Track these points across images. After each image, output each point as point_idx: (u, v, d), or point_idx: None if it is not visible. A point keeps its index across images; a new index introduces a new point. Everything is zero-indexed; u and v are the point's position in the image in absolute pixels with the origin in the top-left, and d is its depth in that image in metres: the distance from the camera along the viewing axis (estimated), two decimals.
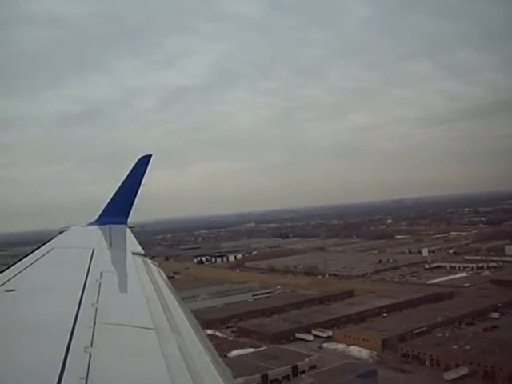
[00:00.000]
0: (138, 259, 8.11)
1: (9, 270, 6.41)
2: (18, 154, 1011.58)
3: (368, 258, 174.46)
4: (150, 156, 12.77)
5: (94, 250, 7.82)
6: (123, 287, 6.21)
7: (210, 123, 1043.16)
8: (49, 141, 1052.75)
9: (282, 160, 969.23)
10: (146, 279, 6.47)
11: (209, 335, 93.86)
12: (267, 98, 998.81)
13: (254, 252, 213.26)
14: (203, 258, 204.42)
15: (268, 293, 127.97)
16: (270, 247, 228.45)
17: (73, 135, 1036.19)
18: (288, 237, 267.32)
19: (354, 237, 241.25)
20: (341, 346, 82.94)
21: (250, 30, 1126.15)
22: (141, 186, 12.54)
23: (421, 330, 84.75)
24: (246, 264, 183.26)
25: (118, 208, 12.58)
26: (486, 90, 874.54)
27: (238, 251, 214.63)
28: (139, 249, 9.39)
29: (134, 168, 12.64)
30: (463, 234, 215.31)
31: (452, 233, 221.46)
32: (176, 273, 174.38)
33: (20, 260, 7.28)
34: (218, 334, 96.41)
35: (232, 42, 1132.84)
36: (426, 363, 72.65)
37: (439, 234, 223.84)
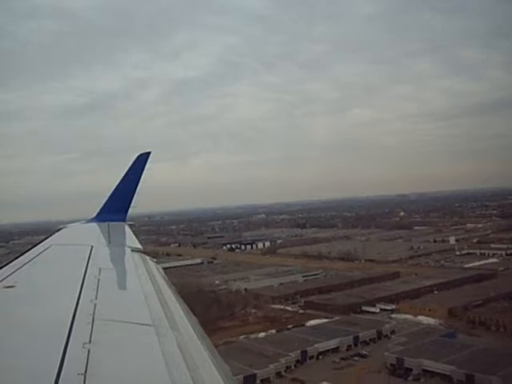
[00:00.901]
0: (137, 256, 8.22)
1: (7, 266, 6.49)
2: (22, 145, 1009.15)
3: (397, 245, 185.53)
4: (148, 153, 12.93)
5: (92, 247, 7.92)
6: (122, 284, 6.33)
7: (213, 116, 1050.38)
8: (53, 131, 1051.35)
9: (284, 154, 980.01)
10: (144, 276, 6.58)
11: (280, 309, 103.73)
12: (271, 92, 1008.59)
13: (280, 240, 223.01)
14: (232, 246, 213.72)
15: (316, 274, 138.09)
16: (293, 236, 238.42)
17: (77, 126, 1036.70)
18: (305, 227, 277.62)
19: (372, 227, 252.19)
20: (408, 317, 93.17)
21: (255, 24, 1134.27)
22: (139, 183, 12.72)
23: (478, 302, 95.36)
24: (278, 251, 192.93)
25: (117, 205, 12.75)
26: (488, 88, 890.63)
27: (263, 239, 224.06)
28: (138, 245, 9.54)
29: (132, 165, 12.81)
30: (479, 225, 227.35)
31: (468, 224, 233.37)
32: (213, 258, 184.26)
33: (19, 256, 7.41)
34: (287, 308, 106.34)
35: (237, 36, 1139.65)
36: (493, 328, 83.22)
37: (456, 225, 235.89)
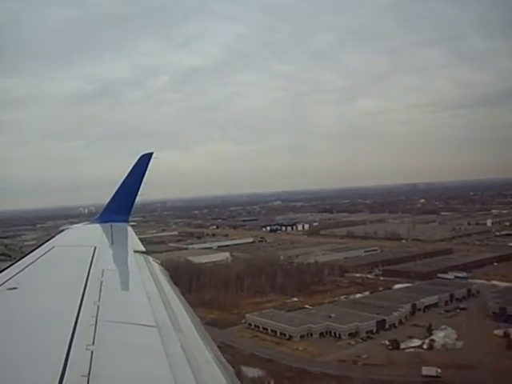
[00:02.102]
0: (140, 257, 8.54)
1: (10, 268, 6.70)
2: (32, 131, 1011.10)
3: (434, 227, 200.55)
4: (151, 154, 13.16)
5: (95, 248, 8.15)
6: (125, 285, 6.51)
7: (221, 104, 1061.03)
8: (62, 118, 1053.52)
9: (290, 142, 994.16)
10: (147, 277, 6.81)
11: (360, 277, 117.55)
12: (280, 80, 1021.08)
13: (315, 223, 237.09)
14: (272, 227, 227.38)
15: (374, 250, 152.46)
16: (327, 219, 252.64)
17: (85, 113, 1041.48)
18: (332, 212, 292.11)
19: (399, 212, 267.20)
20: (483, 281, 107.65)
21: (266, 12, 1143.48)
22: (142, 184, 12.98)
23: None
24: (321, 232, 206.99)
25: (120, 206, 13.05)
26: (498, 77, 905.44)
27: (298, 222, 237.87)
28: (141, 247, 9.89)
29: (135, 166, 13.01)
30: (504, 211, 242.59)
31: (493, 211, 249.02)
32: (262, 237, 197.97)
33: (21, 258, 7.70)
34: (368, 276, 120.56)
35: (248, 25, 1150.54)
36: None
37: (481, 211, 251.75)
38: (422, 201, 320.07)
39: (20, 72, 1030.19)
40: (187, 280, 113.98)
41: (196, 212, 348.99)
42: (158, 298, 5.50)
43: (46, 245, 9.13)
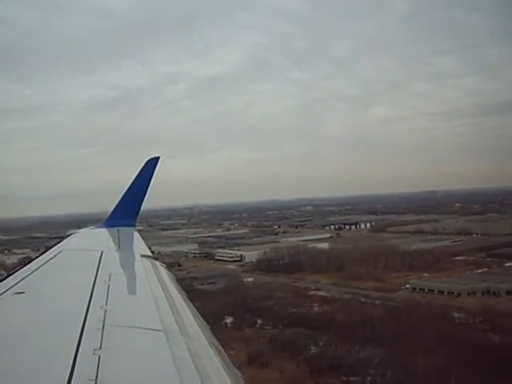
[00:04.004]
0: (147, 261, 8.86)
1: (18, 272, 6.97)
2: (49, 139, 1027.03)
3: (494, 225, 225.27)
4: (157, 158, 13.78)
5: (102, 253, 8.48)
6: (132, 289, 6.72)
7: (237, 112, 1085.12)
8: (79, 125, 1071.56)
9: (303, 150, 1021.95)
10: (154, 281, 7.07)
11: (467, 259, 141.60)
12: (295, 89, 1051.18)
13: (373, 223, 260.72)
14: (336, 226, 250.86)
15: (459, 241, 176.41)
16: (380, 220, 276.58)
17: (103, 120, 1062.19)
18: (377, 214, 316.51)
19: (445, 214, 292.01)
20: None
21: (286, 19, 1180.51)
22: (149, 189, 13.58)
23: None
24: (387, 229, 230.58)
25: (127, 210, 13.67)
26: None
27: (357, 222, 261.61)
28: (147, 251, 10.44)
29: (141, 170, 13.61)
30: None
31: None
32: (338, 233, 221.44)
33: (29, 262, 8.02)
34: (476, 259, 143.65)
35: (268, 33, 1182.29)
36: None
37: None
38: (458, 204, 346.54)
39: (40, 79, 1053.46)
40: (326, 261, 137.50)
41: (236, 215, 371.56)
42: (164, 302, 5.69)
43: (53, 249, 9.52)
